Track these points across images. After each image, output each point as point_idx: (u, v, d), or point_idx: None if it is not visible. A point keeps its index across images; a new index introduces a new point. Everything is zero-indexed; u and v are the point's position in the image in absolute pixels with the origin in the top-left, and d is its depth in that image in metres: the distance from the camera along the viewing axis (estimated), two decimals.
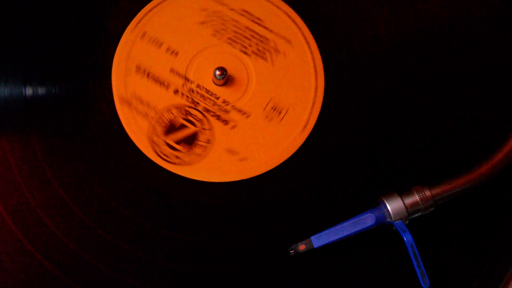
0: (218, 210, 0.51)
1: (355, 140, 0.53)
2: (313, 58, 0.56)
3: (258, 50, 0.55)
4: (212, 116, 0.53)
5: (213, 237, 0.50)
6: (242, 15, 0.56)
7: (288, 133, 0.53)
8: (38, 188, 0.50)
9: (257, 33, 0.56)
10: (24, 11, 0.54)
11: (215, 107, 0.53)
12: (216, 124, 0.53)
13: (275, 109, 0.54)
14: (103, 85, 0.53)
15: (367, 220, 0.49)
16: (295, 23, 0.57)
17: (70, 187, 0.50)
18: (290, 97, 0.54)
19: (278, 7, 0.57)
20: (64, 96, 0.53)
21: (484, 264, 0.50)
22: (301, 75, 0.55)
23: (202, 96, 0.53)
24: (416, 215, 0.49)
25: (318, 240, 0.49)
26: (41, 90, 0.52)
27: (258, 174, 0.52)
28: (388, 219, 0.49)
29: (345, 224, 0.49)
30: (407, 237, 0.48)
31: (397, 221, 0.49)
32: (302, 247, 0.49)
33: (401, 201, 0.49)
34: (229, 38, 0.55)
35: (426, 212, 0.49)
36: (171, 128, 0.51)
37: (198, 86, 0.53)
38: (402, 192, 0.49)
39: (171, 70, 0.54)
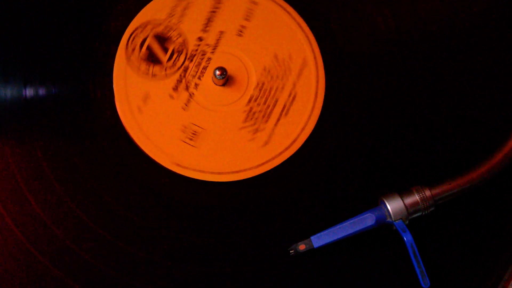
0: (218, 210, 0.51)
1: (355, 140, 0.53)
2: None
3: None
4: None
5: (213, 237, 0.50)
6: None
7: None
8: (38, 188, 0.50)
9: None
10: (24, 11, 0.54)
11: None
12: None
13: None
14: (104, 86, 0.53)
15: (367, 220, 0.49)
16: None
17: (70, 187, 0.50)
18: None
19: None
20: (65, 97, 0.53)
21: (484, 264, 0.50)
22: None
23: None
24: (416, 215, 0.49)
25: (318, 240, 0.49)
26: (41, 91, 0.52)
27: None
28: (388, 219, 0.49)
29: (345, 224, 0.49)
30: (407, 237, 0.48)
31: (397, 221, 0.49)
32: (302, 247, 0.49)
33: (401, 201, 0.49)
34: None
35: (426, 212, 0.49)
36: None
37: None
38: (402, 192, 0.49)
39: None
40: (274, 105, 0.54)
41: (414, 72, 0.55)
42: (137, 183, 0.51)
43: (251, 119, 0.54)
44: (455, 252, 0.50)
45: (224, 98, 0.54)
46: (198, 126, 0.53)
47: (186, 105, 0.54)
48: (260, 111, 0.54)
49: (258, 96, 0.54)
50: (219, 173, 0.52)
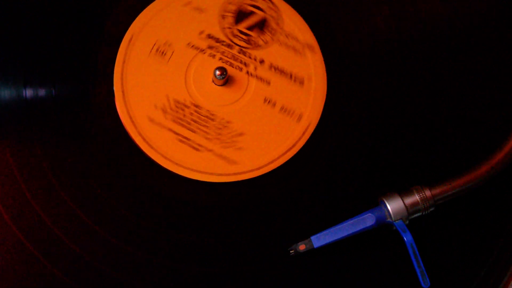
0: (218, 210, 0.51)
1: (355, 140, 0.53)
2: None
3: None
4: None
5: (213, 237, 0.50)
6: None
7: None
8: (38, 188, 0.50)
9: None
10: (24, 11, 0.54)
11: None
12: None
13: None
14: (104, 86, 0.53)
15: (367, 220, 0.49)
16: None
17: (70, 187, 0.50)
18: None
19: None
20: (65, 97, 0.53)
21: (484, 264, 0.50)
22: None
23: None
24: (416, 215, 0.49)
25: (318, 240, 0.49)
26: (41, 92, 0.52)
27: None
28: (388, 219, 0.49)
29: (345, 224, 0.49)
30: (407, 237, 0.48)
31: (397, 221, 0.49)
32: (302, 247, 0.49)
33: (401, 201, 0.49)
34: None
35: (426, 212, 0.49)
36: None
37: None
38: (402, 192, 0.49)
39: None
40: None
41: (414, 72, 0.55)
42: (137, 183, 0.51)
43: None
44: (455, 252, 0.50)
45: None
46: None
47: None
48: None
49: None
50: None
